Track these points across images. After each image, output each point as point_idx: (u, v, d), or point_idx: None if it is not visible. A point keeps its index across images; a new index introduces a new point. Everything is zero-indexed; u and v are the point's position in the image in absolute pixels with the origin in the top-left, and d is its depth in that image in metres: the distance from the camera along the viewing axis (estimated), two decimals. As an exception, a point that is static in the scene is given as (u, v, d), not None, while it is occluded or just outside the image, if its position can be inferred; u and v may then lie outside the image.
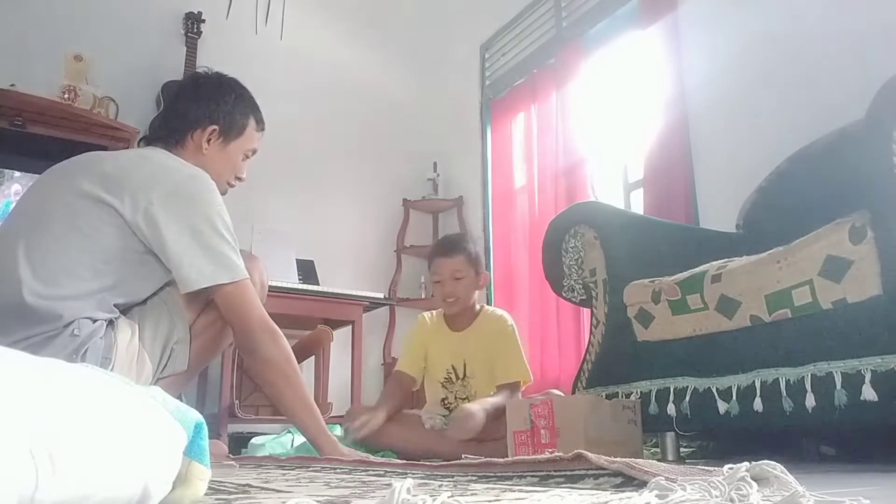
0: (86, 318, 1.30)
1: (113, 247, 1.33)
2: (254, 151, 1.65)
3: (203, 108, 1.56)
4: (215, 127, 1.56)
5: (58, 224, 1.33)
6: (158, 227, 1.33)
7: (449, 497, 0.54)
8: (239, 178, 1.65)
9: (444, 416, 2.21)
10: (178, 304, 1.41)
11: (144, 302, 1.42)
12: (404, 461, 1.44)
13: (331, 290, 3.17)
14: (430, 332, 2.29)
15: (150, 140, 1.59)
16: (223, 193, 1.59)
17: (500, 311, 2.31)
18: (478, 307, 2.28)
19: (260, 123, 1.66)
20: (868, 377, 1.23)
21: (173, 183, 1.39)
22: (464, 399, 2.20)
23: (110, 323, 1.35)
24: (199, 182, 1.42)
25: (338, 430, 2.24)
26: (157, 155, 1.48)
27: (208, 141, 1.55)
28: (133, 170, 1.40)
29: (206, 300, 1.45)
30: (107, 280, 1.34)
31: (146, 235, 1.34)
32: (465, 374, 2.20)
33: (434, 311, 2.35)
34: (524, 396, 2.09)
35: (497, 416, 1.90)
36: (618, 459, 0.74)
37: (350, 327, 3.17)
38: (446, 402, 2.23)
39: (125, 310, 1.40)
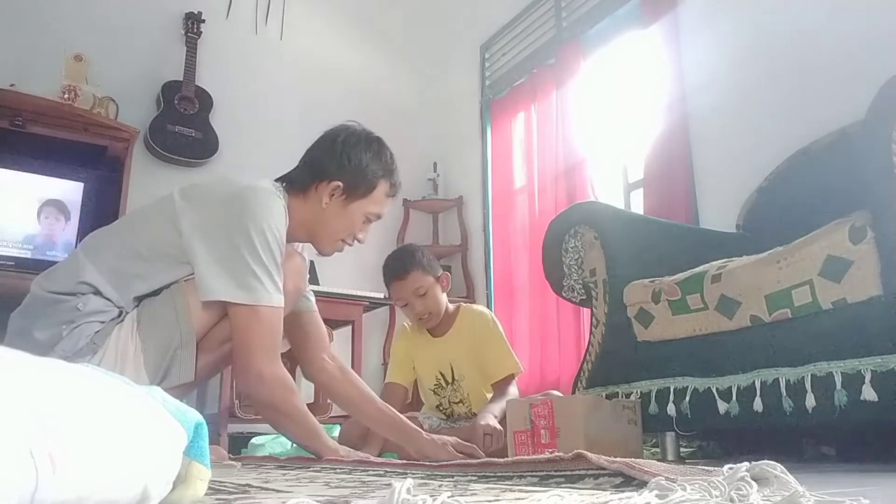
0: (101, 294, 1.32)
1: (158, 235, 1.37)
2: (378, 216, 1.57)
3: (334, 161, 1.51)
4: (339, 183, 1.50)
5: (141, 212, 1.47)
6: (195, 228, 1.34)
7: (449, 497, 0.54)
8: (357, 240, 1.58)
9: (442, 419, 2.21)
10: (188, 308, 1.35)
11: (157, 296, 1.38)
12: (404, 461, 1.44)
13: (331, 290, 3.17)
14: (412, 341, 2.26)
15: (281, 178, 1.57)
16: (339, 251, 1.58)
17: (479, 308, 2.29)
18: (452, 308, 2.24)
19: (393, 188, 1.58)
20: (868, 377, 1.23)
21: (226, 191, 1.39)
22: (457, 403, 2.20)
23: (120, 313, 1.34)
24: (250, 194, 1.38)
25: (335, 432, 2.24)
26: (234, 175, 1.52)
27: (331, 196, 1.51)
28: (206, 182, 1.46)
29: (221, 312, 1.38)
30: (139, 264, 1.36)
31: (183, 229, 1.35)
32: (453, 378, 2.18)
33: None
34: (523, 396, 2.09)
35: (503, 415, 1.91)
36: (618, 459, 0.74)
37: (350, 327, 3.17)
38: (441, 407, 2.22)
39: (137, 300, 1.39)
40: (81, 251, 1.40)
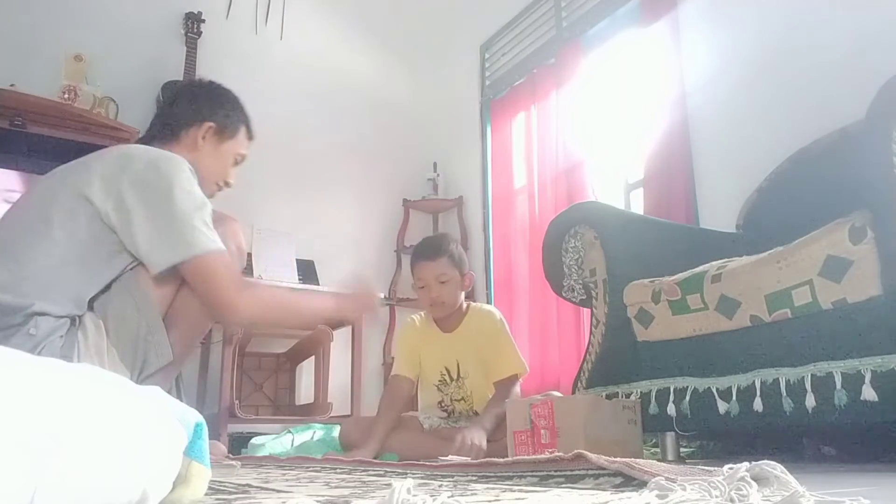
0: (46, 314, 1.26)
1: (84, 237, 1.32)
2: (243, 157, 1.68)
3: (200, 107, 1.59)
4: (211, 124, 1.58)
5: (33, 216, 1.34)
6: (126, 214, 1.32)
7: (449, 497, 0.54)
8: (227, 183, 1.65)
9: (442, 418, 2.21)
10: (144, 293, 1.35)
11: (109, 290, 1.35)
12: (405, 461, 1.44)
13: (331, 290, 3.16)
14: (420, 335, 2.26)
15: (145, 140, 1.59)
16: (209, 197, 1.55)
17: (487, 307, 2.29)
18: (465, 306, 2.25)
19: (250, 131, 1.70)
20: (868, 377, 1.23)
21: (138, 168, 1.37)
22: (459, 400, 2.20)
23: (73, 321, 1.30)
24: (162, 163, 1.39)
25: (335, 432, 2.24)
26: (128, 146, 1.50)
27: (203, 137, 1.58)
28: (104, 159, 1.40)
29: (176, 283, 1.39)
30: (77, 271, 1.31)
31: (114, 222, 1.32)
32: (458, 375, 2.19)
33: (422, 314, 2.31)
34: (524, 396, 2.09)
35: (498, 423, 1.90)
36: (618, 459, 0.74)
37: (350, 327, 3.16)
38: (443, 404, 2.22)
39: (91, 301, 1.35)
40: (2, 280, 1.26)
